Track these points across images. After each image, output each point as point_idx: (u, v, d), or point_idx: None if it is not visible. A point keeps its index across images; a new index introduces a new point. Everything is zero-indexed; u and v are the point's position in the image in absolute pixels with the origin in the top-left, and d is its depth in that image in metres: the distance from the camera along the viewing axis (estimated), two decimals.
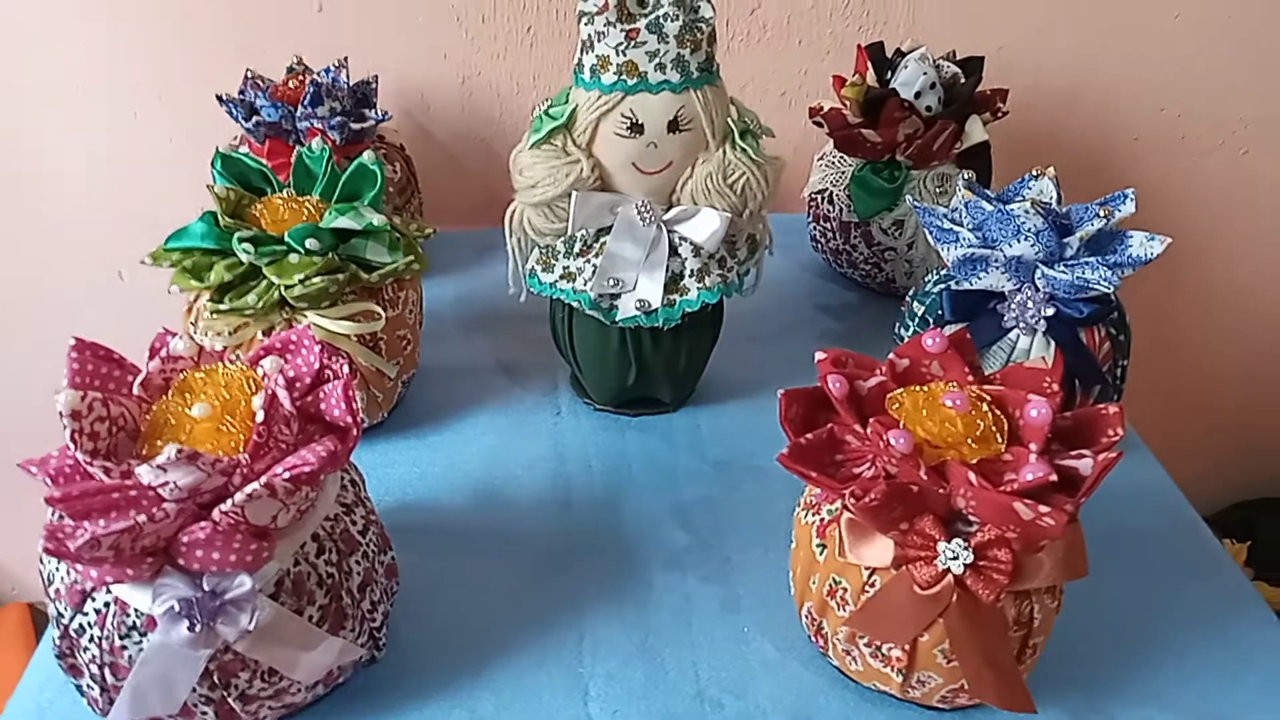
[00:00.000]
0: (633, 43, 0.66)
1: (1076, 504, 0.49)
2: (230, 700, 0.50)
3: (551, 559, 0.69)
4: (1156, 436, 0.82)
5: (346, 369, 0.54)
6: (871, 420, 0.52)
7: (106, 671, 0.49)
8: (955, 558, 0.49)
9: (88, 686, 0.51)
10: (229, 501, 0.45)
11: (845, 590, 0.54)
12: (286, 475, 0.46)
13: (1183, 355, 1.34)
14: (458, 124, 1.12)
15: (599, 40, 0.66)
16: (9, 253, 1.19)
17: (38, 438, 1.30)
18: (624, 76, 0.66)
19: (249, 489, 0.45)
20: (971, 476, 0.49)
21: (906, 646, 0.53)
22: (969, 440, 0.51)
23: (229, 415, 0.49)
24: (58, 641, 0.50)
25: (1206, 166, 1.18)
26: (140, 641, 0.48)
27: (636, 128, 0.68)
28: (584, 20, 0.67)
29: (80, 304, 1.22)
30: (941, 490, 0.50)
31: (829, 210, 0.96)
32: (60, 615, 0.50)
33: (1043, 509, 0.47)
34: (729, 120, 0.70)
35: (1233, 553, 1.31)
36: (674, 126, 0.68)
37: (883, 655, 0.54)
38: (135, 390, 0.51)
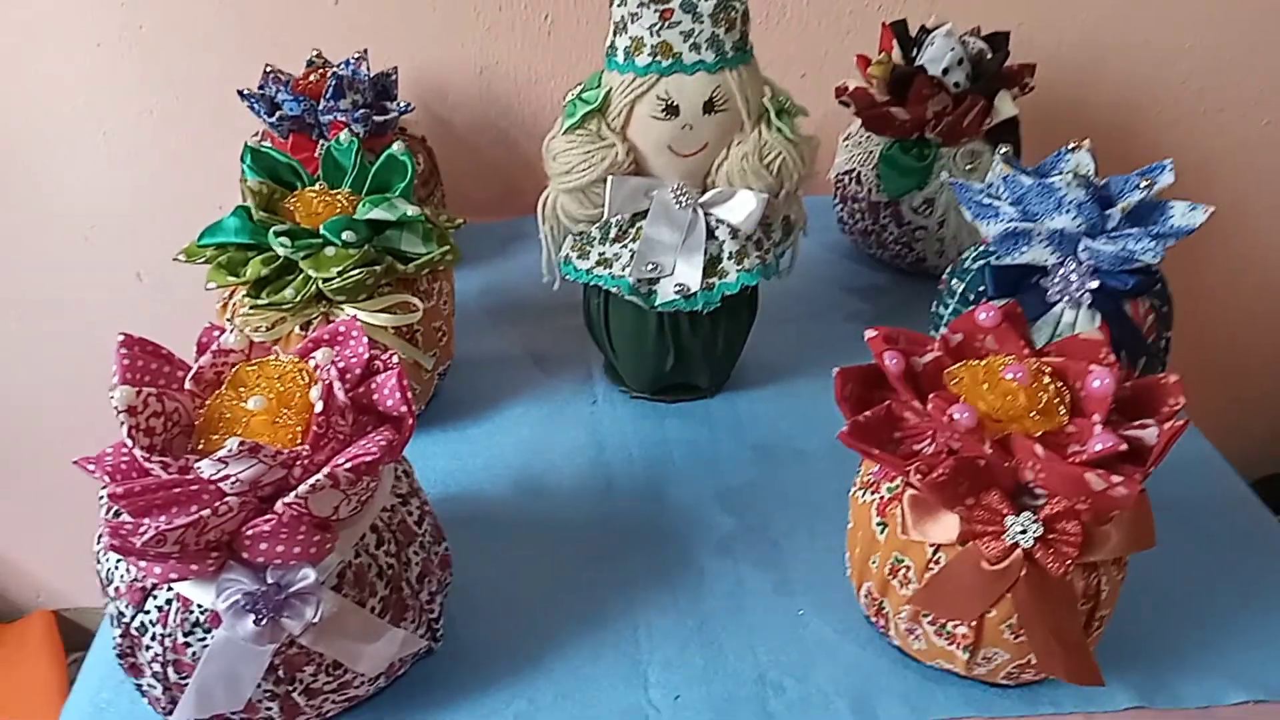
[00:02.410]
0: (667, 23, 0.65)
1: (1145, 473, 0.48)
2: (295, 695, 0.50)
3: (599, 548, 0.68)
4: (1190, 407, 0.81)
5: (396, 359, 0.53)
6: (932, 396, 0.51)
7: (170, 670, 0.48)
8: (1024, 531, 0.49)
9: (149, 686, 0.50)
10: (292, 493, 0.45)
11: (908, 568, 0.53)
12: (348, 465, 0.46)
13: (1213, 324, 1.33)
14: (476, 114, 1.11)
15: (632, 22, 0.66)
16: (26, 254, 1.18)
17: (53, 438, 1.30)
18: (658, 58, 0.66)
19: (313, 480, 0.45)
20: (1039, 449, 0.48)
21: (973, 623, 0.52)
22: (1031, 413, 0.51)
23: (284, 407, 0.49)
24: (118, 640, 0.50)
25: (1228, 136, 1.17)
26: (204, 638, 0.47)
27: (672, 109, 0.67)
28: (616, 2, 0.67)
29: (98, 305, 1.22)
30: (1008, 464, 0.49)
31: (857, 190, 0.95)
32: (121, 614, 0.49)
33: (1115, 479, 0.46)
34: (764, 100, 0.69)
35: None
36: (709, 107, 0.67)
37: (948, 633, 0.54)
38: (187, 385, 0.51)
